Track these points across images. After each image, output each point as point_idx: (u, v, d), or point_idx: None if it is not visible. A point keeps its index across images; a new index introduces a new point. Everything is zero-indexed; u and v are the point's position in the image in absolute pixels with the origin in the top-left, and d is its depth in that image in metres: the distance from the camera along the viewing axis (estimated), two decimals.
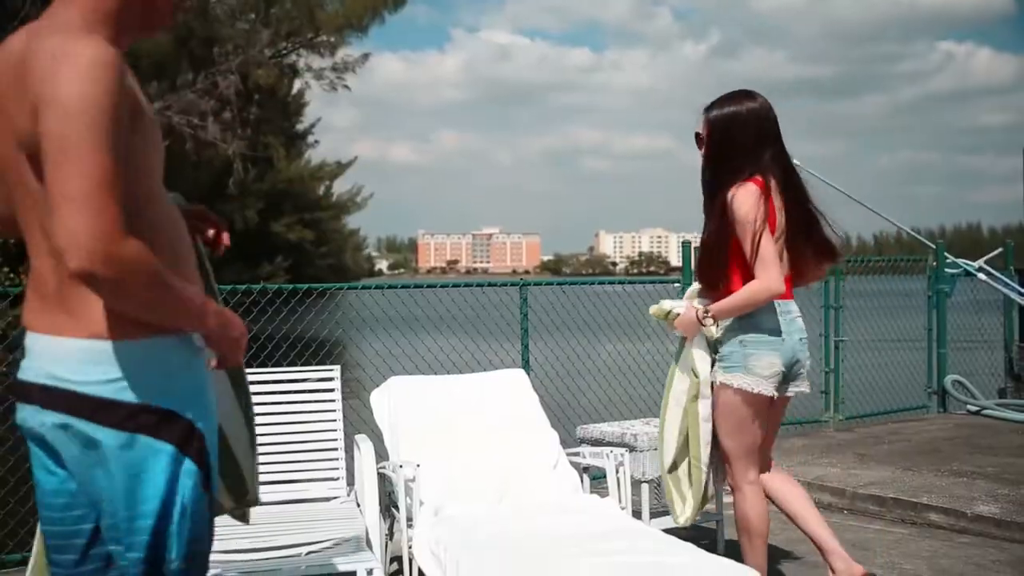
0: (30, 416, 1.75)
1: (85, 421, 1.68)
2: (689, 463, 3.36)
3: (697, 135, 3.33)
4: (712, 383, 3.27)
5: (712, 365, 3.27)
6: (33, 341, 1.74)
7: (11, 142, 1.68)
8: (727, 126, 3.21)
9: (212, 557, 2.90)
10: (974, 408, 8.24)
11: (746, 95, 3.28)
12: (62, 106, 1.55)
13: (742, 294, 3.15)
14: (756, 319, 3.22)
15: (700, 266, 3.37)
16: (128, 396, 1.69)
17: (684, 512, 3.40)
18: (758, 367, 3.17)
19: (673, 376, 3.42)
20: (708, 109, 3.30)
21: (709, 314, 3.19)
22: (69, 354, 1.69)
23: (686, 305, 3.32)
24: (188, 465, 1.74)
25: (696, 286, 3.43)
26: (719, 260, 3.21)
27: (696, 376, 3.26)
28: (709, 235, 3.24)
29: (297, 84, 34.20)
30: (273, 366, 4.44)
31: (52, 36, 1.62)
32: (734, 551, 3.42)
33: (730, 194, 3.15)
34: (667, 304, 3.41)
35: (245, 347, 1.92)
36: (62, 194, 1.53)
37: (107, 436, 1.68)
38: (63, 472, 1.76)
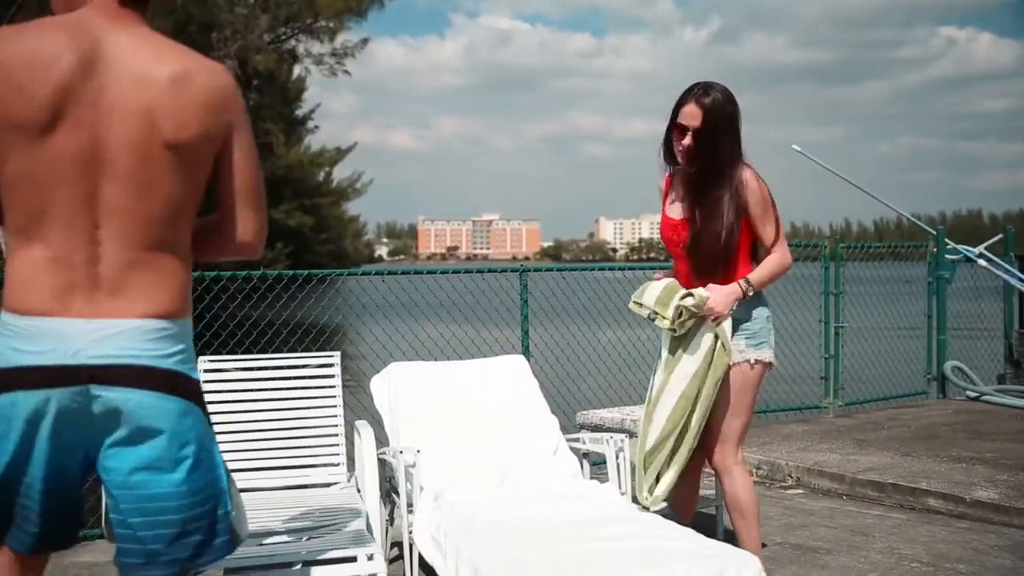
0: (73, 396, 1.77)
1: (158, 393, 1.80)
2: (674, 447, 3.29)
3: (682, 126, 3.20)
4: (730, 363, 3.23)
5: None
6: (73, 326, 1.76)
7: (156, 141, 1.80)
8: (726, 114, 3.17)
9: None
10: (973, 394, 8.26)
11: (715, 84, 3.24)
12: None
13: (773, 267, 3.27)
14: (764, 295, 3.35)
15: (708, 256, 3.24)
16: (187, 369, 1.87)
17: (657, 490, 3.32)
18: (773, 341, 3.32)
19: (677, 361, 3.29)
20: (697, 100, 3.17)
21: (752, 288, 3.20)
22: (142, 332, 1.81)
23: (710, 289, 3.19)
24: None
25: (668, 281, 3.31)
26: (731, 249, 3.21)
27: (723, 356, 3.21)
28: (723, 225, 3.17)
29: (296, 70, 34.07)
30: (273, 352, 4.44)
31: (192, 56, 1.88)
32: (732, 538, 3.43)
33: (745, 178, 3.20)
34: (675, 299, 3.23)
35: None
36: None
37: (175, 404, 1.82)
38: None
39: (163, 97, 1.79)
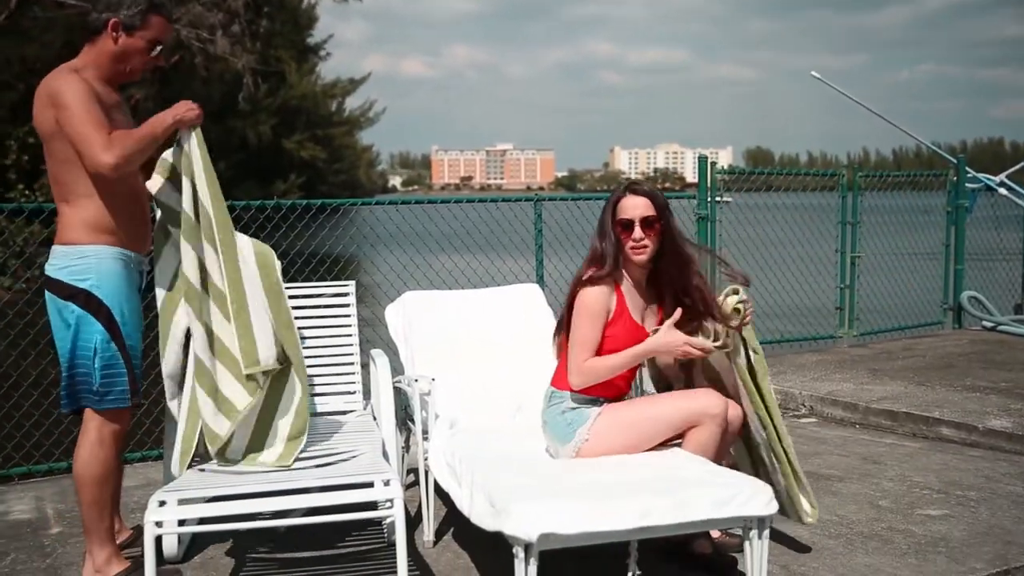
0: None
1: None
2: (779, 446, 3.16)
3: (648, 219, 3.07)
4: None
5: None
6: None
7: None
8: (669, 206, 3.16)
9: (230, 469, 2.95)
10: (990, 324, 8.23)
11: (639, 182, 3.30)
12: None
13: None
14: None
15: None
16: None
17: (812, 506, 3.22)
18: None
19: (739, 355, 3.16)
20: (641, 191, 3.13)
21: None
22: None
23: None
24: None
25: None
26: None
27: (755, 352, 3.16)
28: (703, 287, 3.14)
29: None
30: (288, 282, 4.45)
31: None
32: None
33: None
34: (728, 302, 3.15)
35: (193, 107, 3.10)
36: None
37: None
38: None
39: (35, 104, 3.03)
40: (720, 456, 3.07)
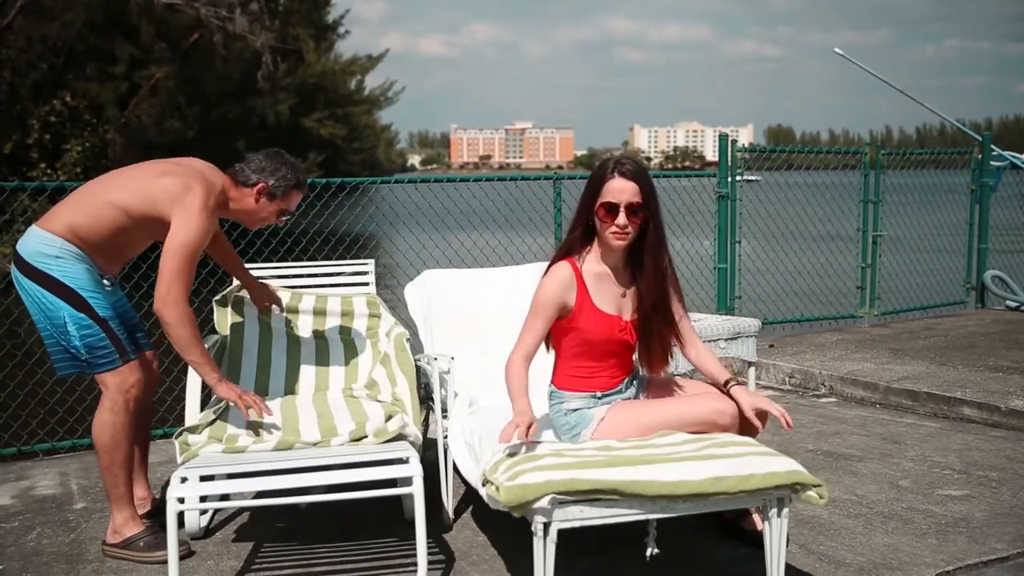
0: None
1: None
2: None
3: (634, 205, 2.87)
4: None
5: None
6: None
7: None
8: (655, 189, 2.97)
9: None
10: (1013, 304, 8.15)
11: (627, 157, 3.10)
12: None
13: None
14: None
15: (660, 335, 3.03)
16: None
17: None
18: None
19: None
20: (629, 174, 2.89)
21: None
22: None
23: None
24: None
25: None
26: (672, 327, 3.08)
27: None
28: (666, 301, 3.02)
29: None
30: (308, 260, 4.47)
31: None
32: None
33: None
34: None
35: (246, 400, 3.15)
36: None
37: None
38: None
39: (172, 175, 3.24)
40: None
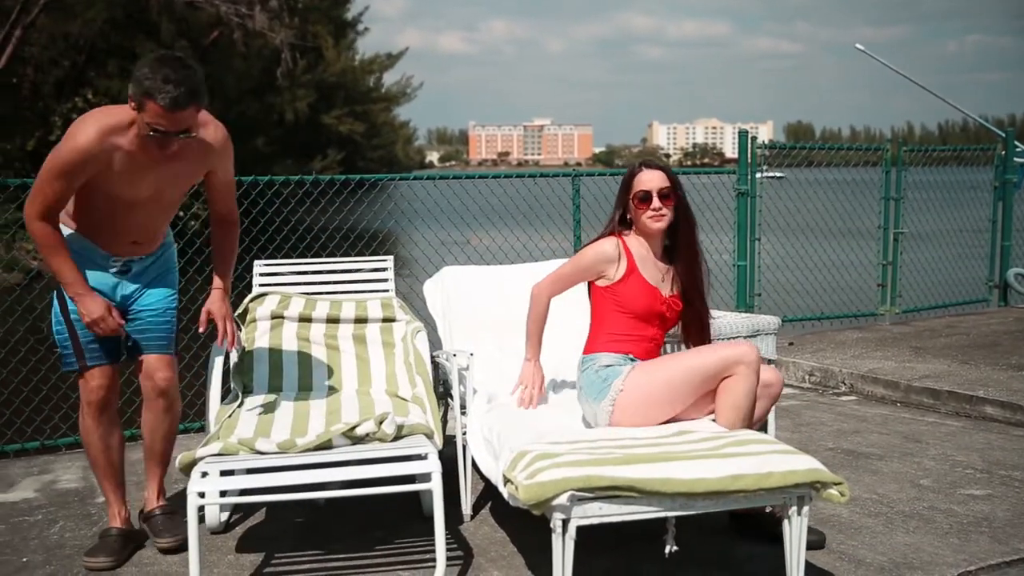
0: None
1: None
2: None
3: (664, 190, 3.24)
4: None
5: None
6: None
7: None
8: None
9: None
10: None
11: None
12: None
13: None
14: None
15: (699, 316, 3.38)
16: None
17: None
18: None
19: None
20: (655, 166, 3.32)
21: None
22: None
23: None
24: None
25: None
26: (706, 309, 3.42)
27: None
28: (701, 285, 3.37)
29: None
30: (327, 257, 4.48)
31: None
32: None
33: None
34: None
35: (103, 326, 3.07)
36: None
37: None
38: None
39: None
40: (751, 413, 3.06)
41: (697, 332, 3.39)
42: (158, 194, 3.11)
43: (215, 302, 3.35)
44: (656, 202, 3.22)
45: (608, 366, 3.18)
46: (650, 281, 3.26)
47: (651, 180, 3.25)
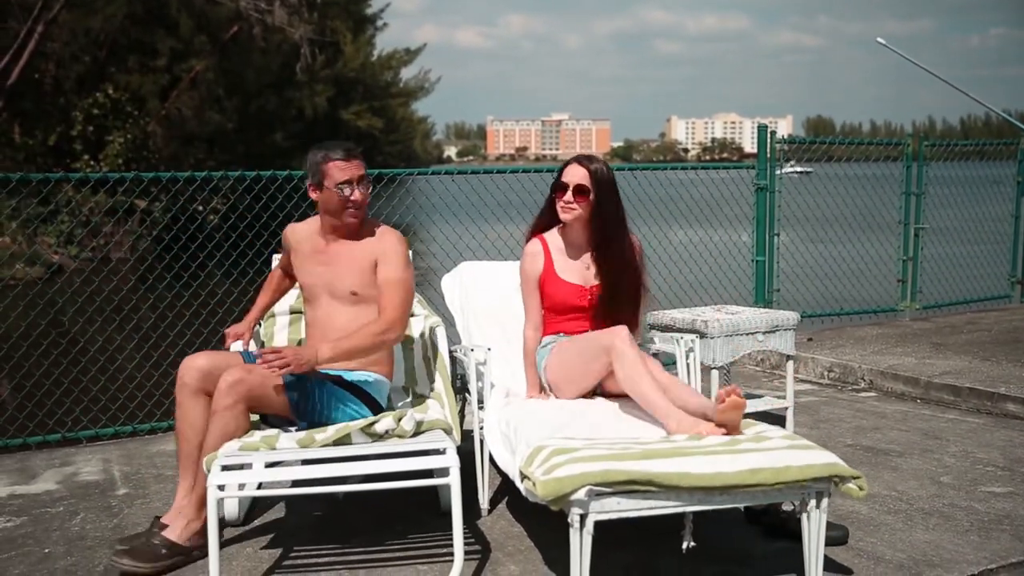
0: None
1: None
2: None
3: (581, 187, 3.46)
4: None
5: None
6: None
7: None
8: (612, 182, 3.52)
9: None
10: None
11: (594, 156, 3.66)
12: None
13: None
14: None
15: (627, 300, 3.57)
16: None
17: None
18: None
19: None
20: (585, 163, 3.51)
21: None
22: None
23: None
24: None
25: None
26: (639, 295, 3.62)
27: None
28: (633, 273, 3.57)
29: None
30: None
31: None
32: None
33: (636, 242, 3.65)
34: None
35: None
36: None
37: None
38: None
39: None
40: (650, 376, 3.12)
41: (610, 316, 3.51)
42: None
43: (298, 350, 3.07)
44: (568, 195, 3.48)
45: (545, 346, 3.59)
46: (568, 277, 3.58)
47: (573, 175, 3.50)
